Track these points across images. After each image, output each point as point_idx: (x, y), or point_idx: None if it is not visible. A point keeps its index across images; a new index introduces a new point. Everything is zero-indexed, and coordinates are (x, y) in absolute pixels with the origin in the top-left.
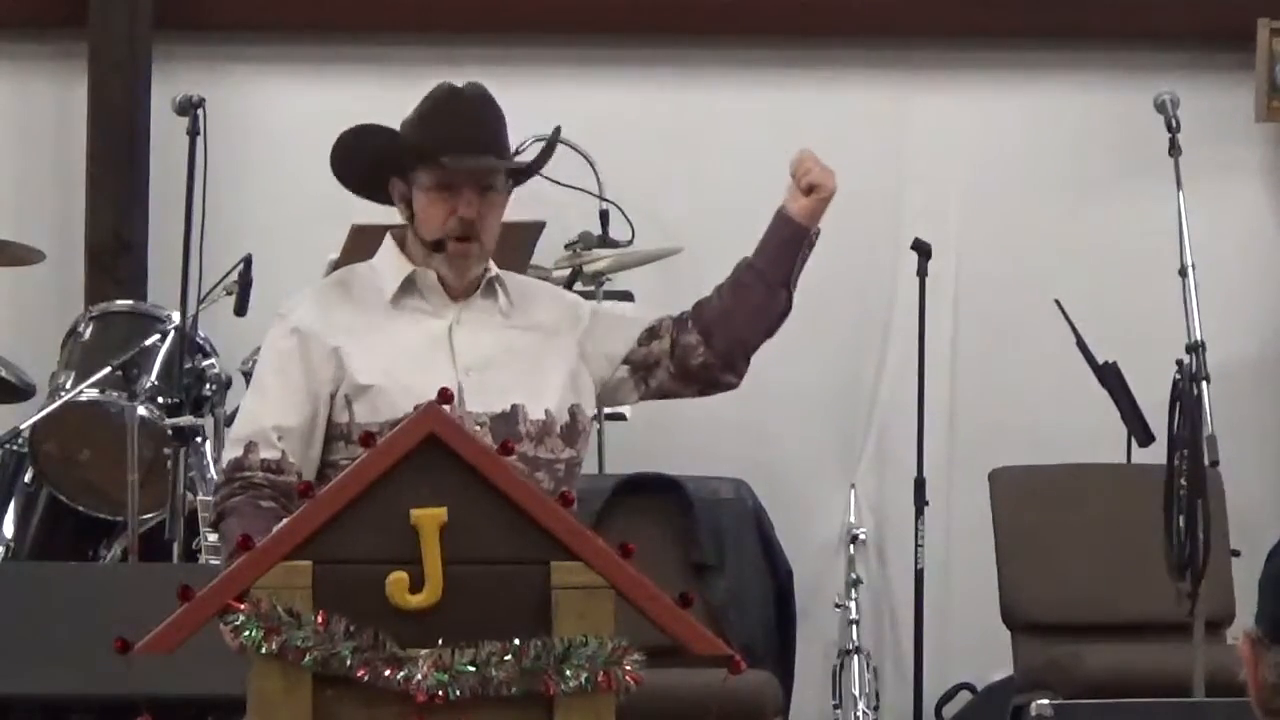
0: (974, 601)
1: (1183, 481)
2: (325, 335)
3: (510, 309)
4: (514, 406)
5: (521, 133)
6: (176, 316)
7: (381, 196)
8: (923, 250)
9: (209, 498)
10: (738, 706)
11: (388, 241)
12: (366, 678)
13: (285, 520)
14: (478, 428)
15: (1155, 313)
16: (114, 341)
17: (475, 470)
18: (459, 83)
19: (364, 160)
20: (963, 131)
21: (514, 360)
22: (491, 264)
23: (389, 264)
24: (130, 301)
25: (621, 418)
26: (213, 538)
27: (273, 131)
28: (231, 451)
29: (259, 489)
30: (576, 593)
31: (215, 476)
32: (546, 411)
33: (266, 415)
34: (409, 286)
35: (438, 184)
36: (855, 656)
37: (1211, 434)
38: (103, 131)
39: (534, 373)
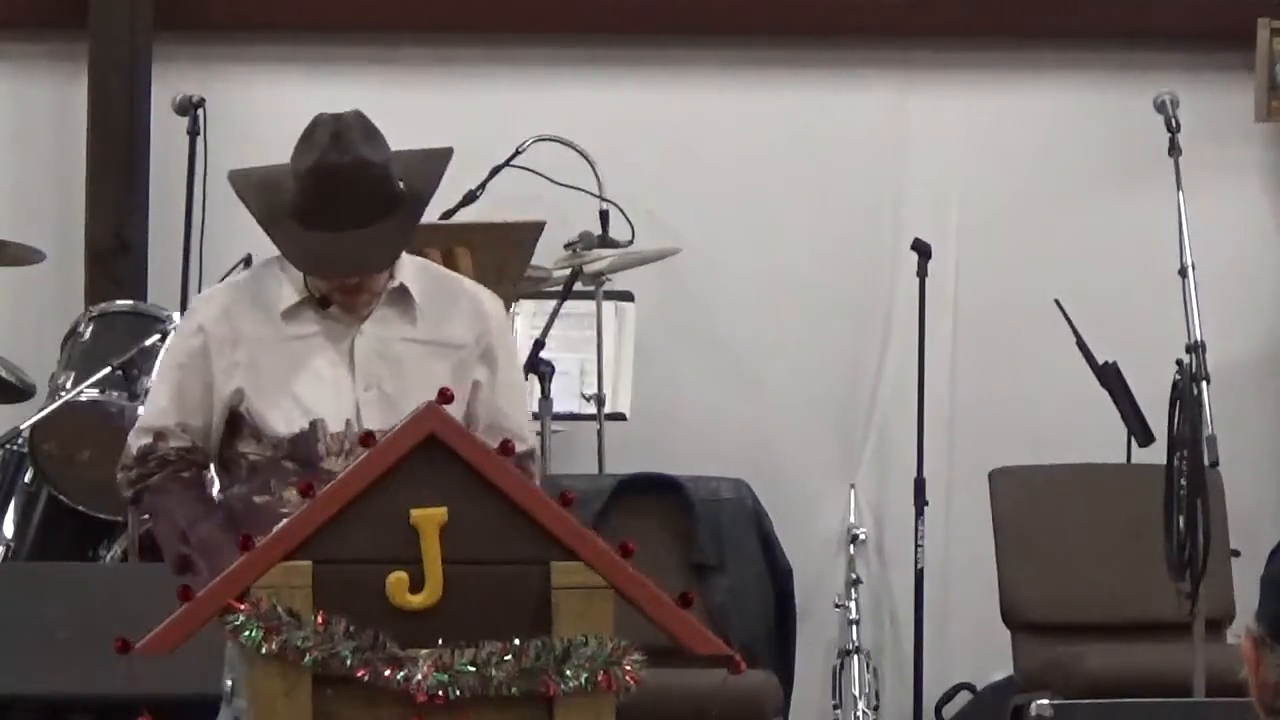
0: (974, 601)
1: (1183, 481)
2: (227, 341)
3: (419, 317)
4: None
5: (522, 133)
6: (176, 316)
7: None
8: (923, 250)
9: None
10: (738, 706)
11: None
12: (366, 678)
13: (285, 520)
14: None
15: (1155, 313)
16: (114, 341)
17: (475, 470)
18: (329, 125)
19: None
20: (963, 131)
21: (415, 375)
22: (399, 270)
23: (294, 279)
24: (130, 301)
25: (622, 417)
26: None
27: (273, 131)
28: (140, 439)
29: (173, 463)
30: (576, 593)
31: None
32: None
33: (172, 413)
34: (309, 300)
35: None
36: (855, 656)
37: (1211, 434)
38: (103, 131)
39: (435, 389)
